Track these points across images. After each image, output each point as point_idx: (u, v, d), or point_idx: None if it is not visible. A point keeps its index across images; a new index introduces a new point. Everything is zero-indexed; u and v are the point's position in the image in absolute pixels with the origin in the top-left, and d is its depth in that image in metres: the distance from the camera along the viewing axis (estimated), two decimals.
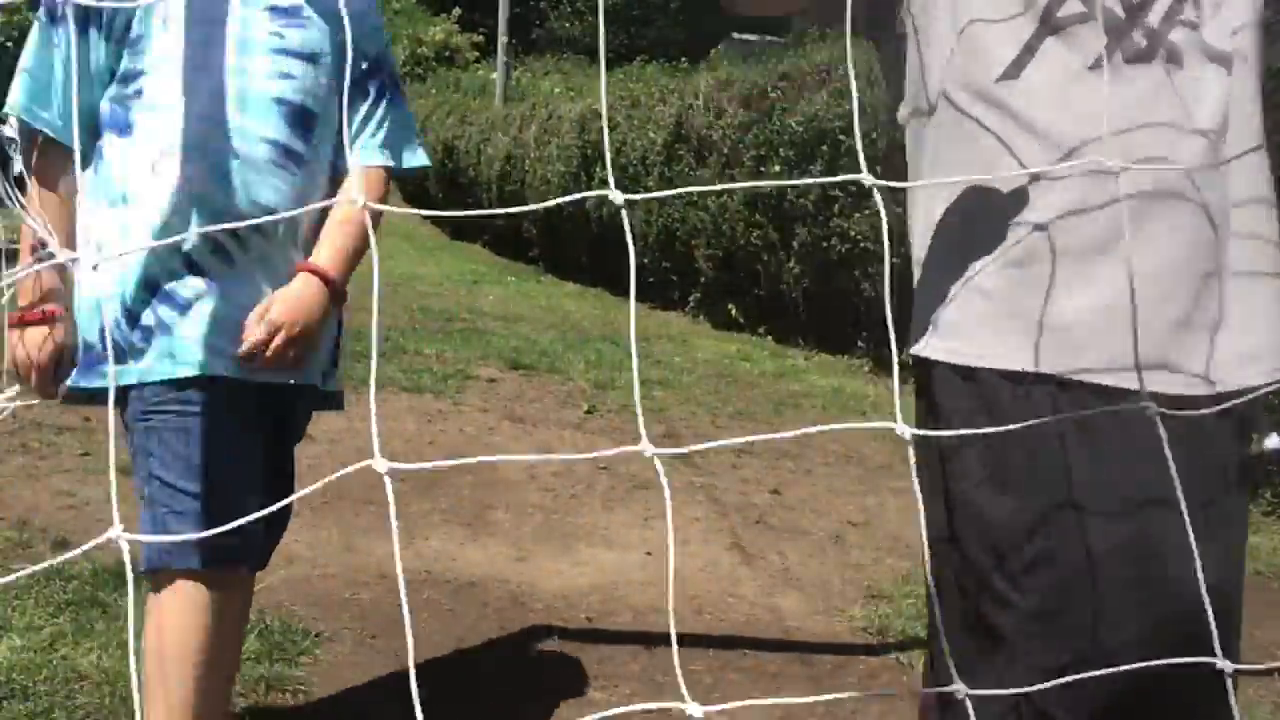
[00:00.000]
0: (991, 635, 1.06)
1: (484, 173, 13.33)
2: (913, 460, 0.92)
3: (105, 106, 1.57)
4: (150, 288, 1.53)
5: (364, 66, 1.71)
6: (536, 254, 12.28)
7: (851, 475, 4.37)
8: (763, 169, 7.48)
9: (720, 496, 3.92)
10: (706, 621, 2.85)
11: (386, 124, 1.72)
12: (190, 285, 1.53)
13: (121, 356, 1.54)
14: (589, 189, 10.39)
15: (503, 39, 18.89)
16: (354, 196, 1.66)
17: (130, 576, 0.63)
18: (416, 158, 1.77)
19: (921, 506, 0.98)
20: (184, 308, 1.53)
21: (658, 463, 0.66)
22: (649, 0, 28.16)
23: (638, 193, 9.33)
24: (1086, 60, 1.07)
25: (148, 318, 1.53)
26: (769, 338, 7.69)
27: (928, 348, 1.16)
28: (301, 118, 1.59)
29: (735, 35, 21.31)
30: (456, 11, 26.59)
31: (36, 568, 0.70)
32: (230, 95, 1.54)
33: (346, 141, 1.68)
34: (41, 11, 1.55)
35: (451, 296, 8.47)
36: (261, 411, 1.62)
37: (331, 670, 2.40)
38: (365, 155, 1.71)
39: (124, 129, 1.55)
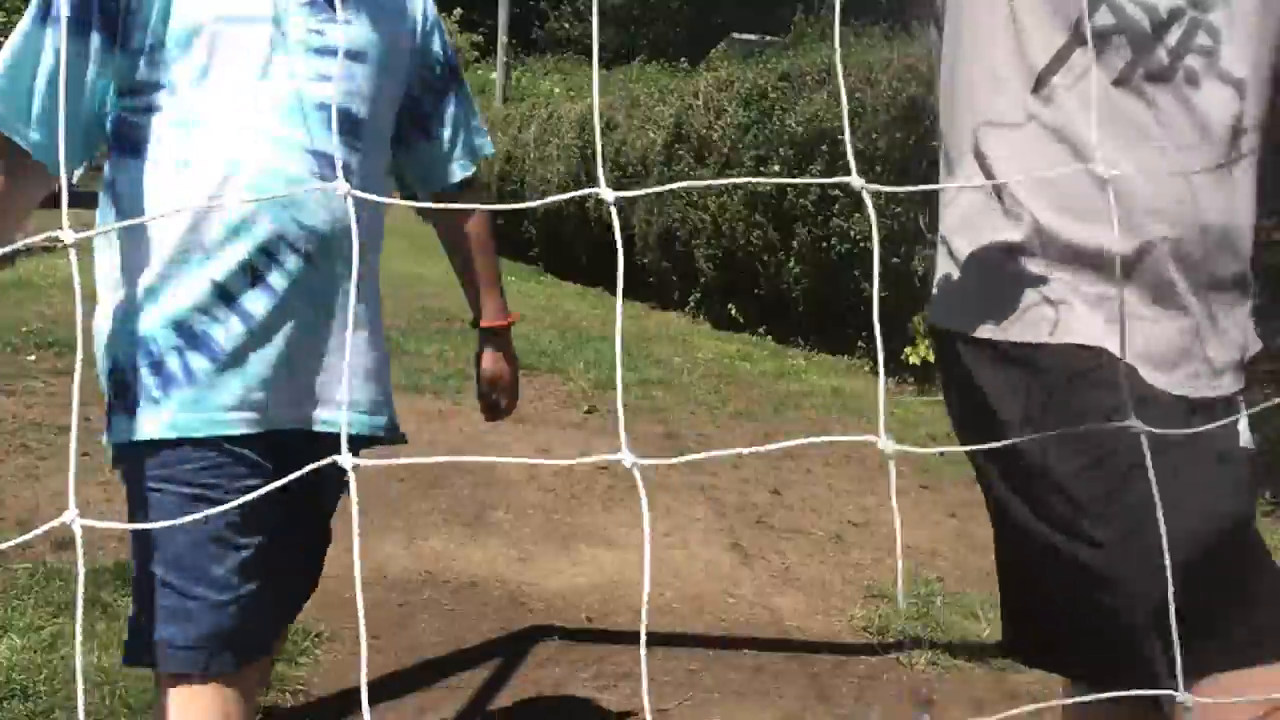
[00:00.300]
0: (1087, 576, 1.13)
1: (484, 173, 13.33)
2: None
3: (113, 123, 1.36)
4: (180, 328, 1.31)
5: (437, 70, 1.57)
6: (536, 254, 12.29)
7: (851, 475, 4.38)
8: (762, 169, 7.48)
9: (720, 496, 3.92)
10: (706, 621, 2.86)
11: (470, 128, 1.64)
12: (228, 327, 1.32)
13: (133, 404, 1.32)
14: (589, 189, 10.39)
15: (503, 39, 18.91)
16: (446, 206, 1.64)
17: (80, 562, 0.62)
18: (486, 146, 1.68)
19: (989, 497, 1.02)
20: (218, 355, 1.31)
21: (636, 474, 0.66)
22: (649, 0, 28.17)
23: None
24: (1111, 74, 1.14)
25: (173, 362, 1.31)
26: (769, 338, 7.70)
27: (979, 329, 1.23)
28: (347, 124, 1.39)
29: (735, 35, 21.32)
30: (457, 11, 26.59)
31: None
32: (266, 102, 1.32)
33: (385, 143, 1.52)
34: (39, 13, 1.30)
35: (452, 296, 8.45)
36: (284, 467, 1.33)
37: (331, 670, 2.40)
38: (462, 168, 1.64)
39: (138, 148, 1.34)
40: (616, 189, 9.89)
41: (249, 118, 1.32)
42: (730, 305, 8.15)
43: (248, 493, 1.27)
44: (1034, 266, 1.17)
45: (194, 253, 1.31)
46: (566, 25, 29.46)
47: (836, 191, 6.68)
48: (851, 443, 4.86)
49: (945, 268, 1.30)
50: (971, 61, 1.22)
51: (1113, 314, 1.14)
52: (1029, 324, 1.17)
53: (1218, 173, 1.15)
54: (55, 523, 0.64)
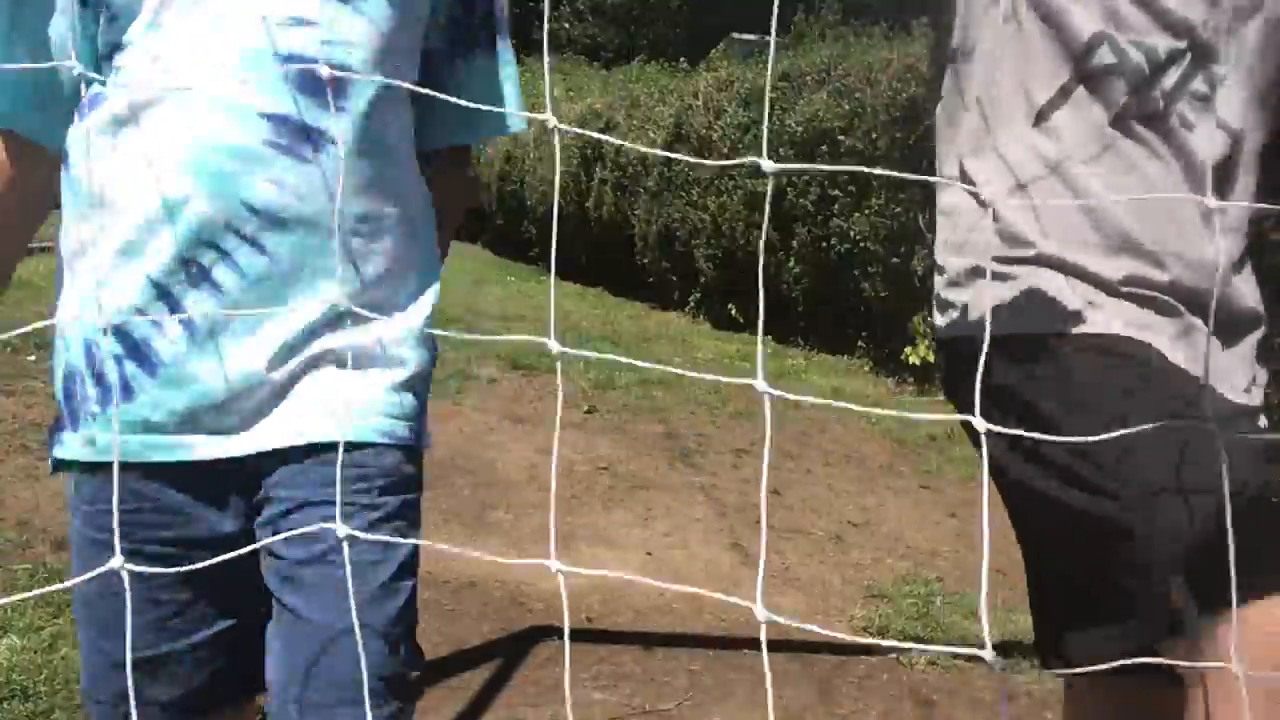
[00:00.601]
0: (1108, 527, 1.16)
1: (484, 173, 13.35)
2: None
3: (86, 93, 1.13)
4: (119, 333, 1.09)
5: (461, 9, 1.24)
6: (536, 254, 12.30)
7: (851, 475, 4.38)
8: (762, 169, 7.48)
9: (720, 497, 3.92)
10: (706, 621, 2.86)
11: (491, 91, 1.28)
12: (167, 333, 1.08)
13: (75, 419, 1.13)
14: (589, 189, 10.40)
15: None
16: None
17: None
18: (510, 125, 1.32)
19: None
20: (157, 367, 1.09)
21: (561, 579, 0.65)
22: (649, 0, 28.19)
23: (637, 193, 9.34)
24: (1109, 113, 1.17)
25: (112, 373, 1.10)
26: (769, 338, 7.70)
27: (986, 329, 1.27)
28: (323, 81, 1.08)
29: (735, 35, 21.32)
30: None
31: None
32: (217, 57, 1.06)
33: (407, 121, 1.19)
34: None
35: (451, 296, 8.47)
36: (252, 501, 1.13)
37: None
38: (458, 133, 1.31)
39: (91, 113, 1.11)
40: (616, 189, 9.90)
41: (195, 77, 1.06)
42: (730, 305, 8.15)
43: (172, 542, 1.10)
44: (1025, 272, 1.21)
45: (132, 243, 1.08)
46: (567, 25, 29.45)
47: (836, 191, 6.68)
48: (851, 442, 4.87)
49: (940, 287, 1.35)
50: (978, 92, 1.26)
51: (1113, 310, 1.18)
52: (1031, 320, 1.21)
53: (1207, 213, 1.19)
54: (103, 568, 0.64)
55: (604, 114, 10.40)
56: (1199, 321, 1.20)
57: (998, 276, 1.25)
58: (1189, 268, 1.19)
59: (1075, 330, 1.19)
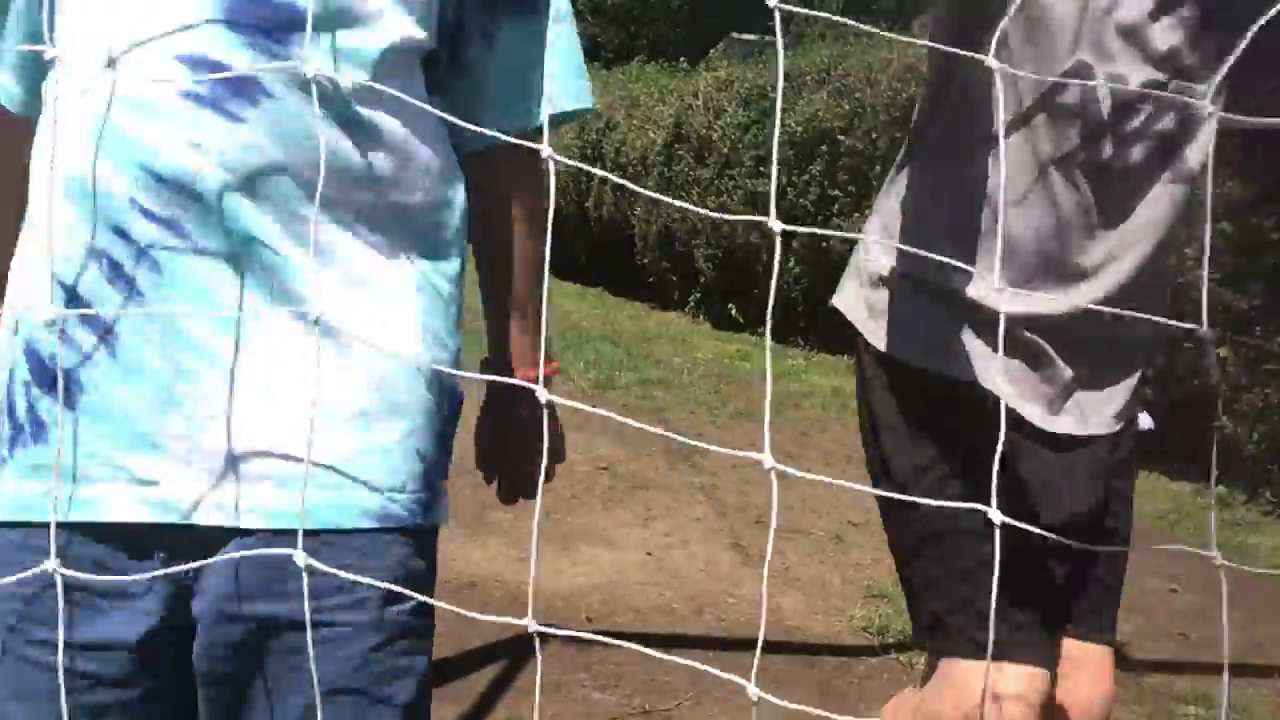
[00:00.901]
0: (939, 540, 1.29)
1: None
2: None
3: None
4: (30, 353, 0.84)
5: None
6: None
7: (851, 475, 4.38)
8: (762, 169, 7.48)
9: (720, 496, 3.92)
10: (706, 622, 2.86)
11: (538, 67, 0.98)
12: (83, 351, 0.81)
13: None
14: (589, 189, 10.39)
15: None
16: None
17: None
18: (577, 97, 1.02)
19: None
20: (74, 395, 0.82)
21: (536, 649, 0.64)
22: (649, 0, 28.22)
23: (637, 193, 9.33)
24: (1054, 152, 1.17)
25: (21, 405, 0.84)
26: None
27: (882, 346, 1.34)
28: (263, 18, 0.80)
29: (735, 35, 21.33)
30: None
31: None
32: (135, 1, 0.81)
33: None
34: None
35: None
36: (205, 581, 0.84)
37: None
38: (514, 120, 0.99)
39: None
40: (616, 189, 9.90)
41: (113, 25, 0.81)
42: (730, 305, 8.15)
43: (82, 647, 0.82)
44: (931, 300, 1.27)
45: (39, 234, 0.84)
46: None
47: (836, 191, 6.68)
48: (852, 442, 4.87)
49: (853, 271, 1.41)
50: (954, 97, 1.27)
51: (973, 354, 1.25)
52: (903, 346, 1.29)
53: (1124, 261, 1.21)
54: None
55: (604, 114, 10.40)
56: (1068, 372, 1.24)
57: (895, 290, 1.31)
58: (1078, 312, 1.21)
59: (934, 369, 1.26)
